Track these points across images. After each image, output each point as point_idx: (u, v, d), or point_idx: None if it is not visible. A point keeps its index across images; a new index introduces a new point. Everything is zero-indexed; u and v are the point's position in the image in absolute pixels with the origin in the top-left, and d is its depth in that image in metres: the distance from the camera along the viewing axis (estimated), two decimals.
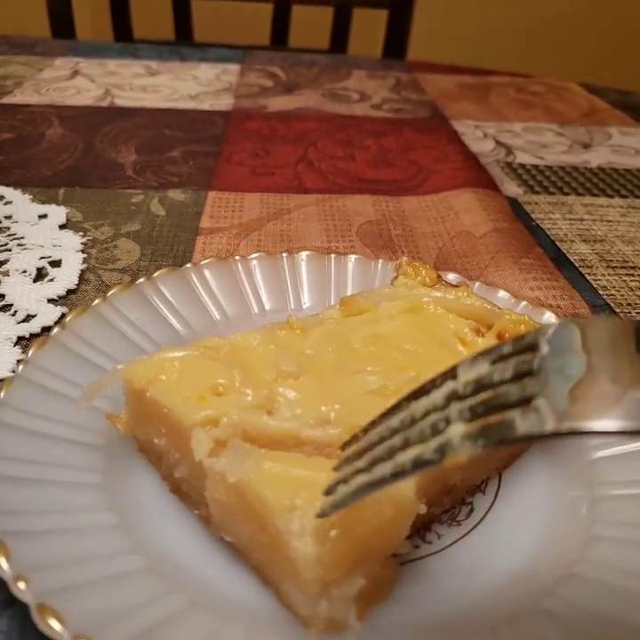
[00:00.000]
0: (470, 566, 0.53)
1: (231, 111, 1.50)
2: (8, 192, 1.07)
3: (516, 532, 0.55)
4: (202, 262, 0.79)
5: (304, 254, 0.82)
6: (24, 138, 1.29)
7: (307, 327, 0.63)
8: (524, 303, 0.74)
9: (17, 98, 1.49)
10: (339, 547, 0.42)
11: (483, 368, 0.34)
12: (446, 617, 0.49)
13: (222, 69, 1.80)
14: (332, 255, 0.83)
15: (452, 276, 0.78)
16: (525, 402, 0.31)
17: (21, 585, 0.44)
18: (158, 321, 0.72)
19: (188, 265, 0.79)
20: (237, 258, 0.81)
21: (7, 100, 1.47)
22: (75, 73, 1.69)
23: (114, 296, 0.73)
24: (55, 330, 0.67)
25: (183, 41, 2.25)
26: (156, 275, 0.76)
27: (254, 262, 0.81)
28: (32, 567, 0.46)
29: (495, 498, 0.59)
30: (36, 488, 0.52)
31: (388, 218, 1.05)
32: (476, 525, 0.56)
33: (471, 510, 0.57)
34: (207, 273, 0.78)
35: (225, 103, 1.55)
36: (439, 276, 0.70)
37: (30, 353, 0.64)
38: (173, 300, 0.75)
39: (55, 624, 0.42)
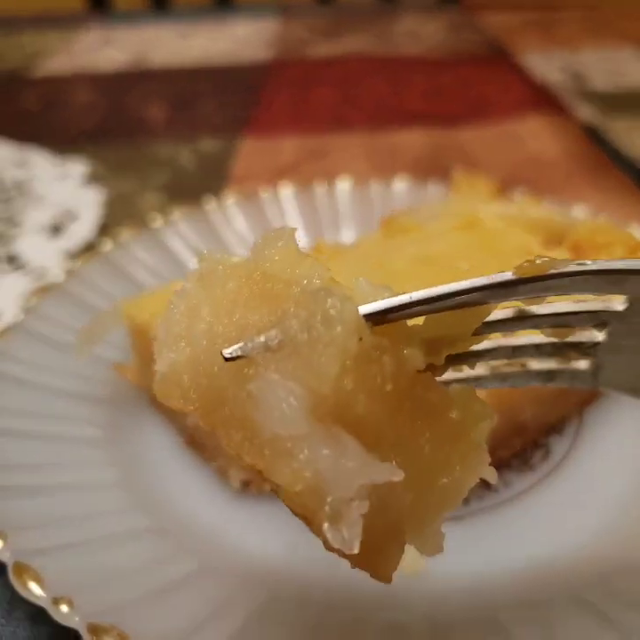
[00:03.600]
0: (546, 518, 0.44)
1: (270, 62, 1.43)
2: (32, 154, 1.04)
3: (601, 478, 0.47)
4: (225, 200, 0.73)
5: (343, 183, 0.75)
6: (52, 104, 1.26)
7: (339, 251, 0.56)
8: (604, 215, 0.65)
9: (47, 69, 1.47)
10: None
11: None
12: (517, 578, 0.40)
13: (261, 25, 1.74)
14: (375, 181, 0.75)
15: (518, 194, 0.69)
16: None
17: None
18: (176, 266, 0.66)
19: (210, 204, 0.72)
20: (265, 193, 0.74)
21: (37, 72, 1.46)
22: (107, 41, 1.67)
23: (126, 241, 0.67)
24: (60, 278, 0.62)
25: (222, 5, 2.20)
26: (173, 216, 0.70)
27: (285, 196, 0.74)
28: (14, 524, 0.40)
29: (575, 439, 0.50)
30: (25, 441, 0.47)
31: (444, 150, 0.96)
32: (552, 471, 0.48)
33: (546, 453, 0.49)
34: (231, 211, 0.72)
35: (263, 56, 1.49)
36: (499, 189, 0.62)
37: (32, 302, 0.59)
38: (193, 242, 0.69)
39: (33, 586, 0.37)
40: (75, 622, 0.35)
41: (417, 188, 0.73)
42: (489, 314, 0.29)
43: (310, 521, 0.26)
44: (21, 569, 0.37)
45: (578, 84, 1.22)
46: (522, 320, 0.31)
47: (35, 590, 0.36)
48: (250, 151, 1.01)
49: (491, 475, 0.29)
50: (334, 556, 0.42)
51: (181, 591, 0.39)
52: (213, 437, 0.48)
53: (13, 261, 0.77)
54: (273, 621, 0.38)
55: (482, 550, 0.42)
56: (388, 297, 0.28)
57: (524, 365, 0.34)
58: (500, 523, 0.44)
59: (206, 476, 0.48)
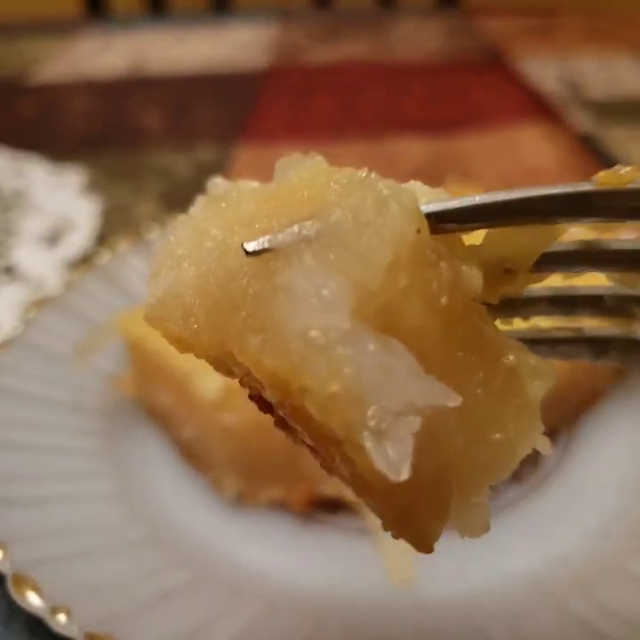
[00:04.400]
0: (534, 529, 0.46)
1: (268, 69, 1.45)
2: (28, 163, 1.06)
3: (591, 489, 0.48)
4: None
5: None
6: (49, 112, 1.28)
7: None
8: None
9: (44, 76, 1.49)
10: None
11: None
12: (505, 589, 0.42)
13: (259, 31, 1.76)
14: None
15: None
16: None
17: None
18: None
19: None
20: None
21: (35, 78, 1.48)
22: (104, 46, 1.69)
23: (123, 252, 0.69)
24: (58, 290, 0.64)
25: (220, 10, 2.23)
26: (170, 226, 0.72)
27: None
28: (12, 535, 0.42)
29: (565, 450, 0.52)
30: (23, 452, 0.49)
31: (441, 160, 0.98)
32: (541, 481, 0.49)
33: (536, 464, 0.50)
34: None
35: (261, 62, 1.51)
36: None
37: (30, 314, 0.61)
38: None
39: (32, 596, 0.38)
40: (73, 631, 0.36)
41: None
42: (559, 236, 0.25)
43: (341, 441, 0.21)
44: (20, 579, 0.39)
45: (574, 92, 1.24)
46: (587, 258, 0.27)
47: (33, 600, 0.38)
48: (247, 159, 1.03)
49: (544, 444, 0.24)
50: (329, 567, 0.43)
51: (177, 601, 0.40)
52: (209, 449, 0.50)
53: (10, 272, 0.79)
54: (267, 633, 0.40)
55: (470, 561, 0.44)
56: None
57: (578, 330, 0.30)
58: (489, 533, 0.46)
59: (201, 488, 0.50)
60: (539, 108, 1.14)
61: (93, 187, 0.97)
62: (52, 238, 0.84)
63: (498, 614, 0.40)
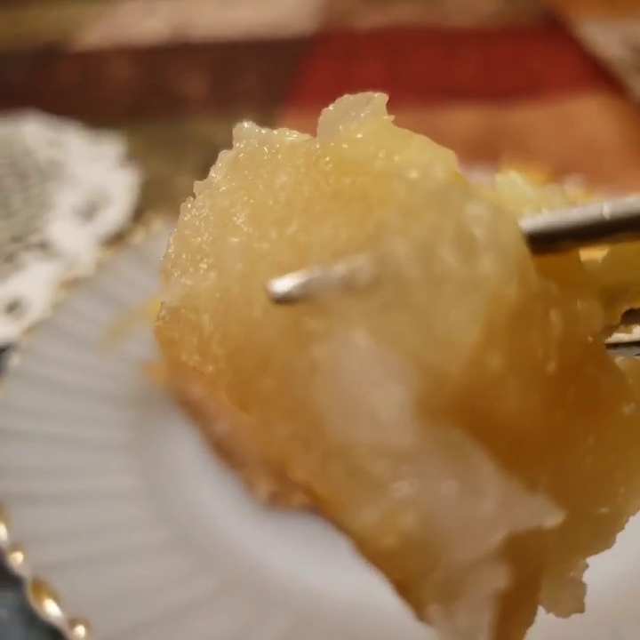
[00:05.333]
0: None
1: (314, 34, 1.41)
2: (67, 133, 1.04)
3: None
4: None
5: None
6: (90, 79, 1.26)
7: None
8: None
9: (85, 41, 1.46)
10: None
11: None
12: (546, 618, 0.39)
13: None
14: None
15: (569, 185, 0.67)
16: None
17: (18, 557, 0.39)
18: None
19: None
20: None
21: (76, 44, 1.45)
22: (147, 11, 1.65)
23: (158, 231, 0.67)
24: (89, 270, 0.62)
25: None
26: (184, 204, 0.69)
27: None
28: (32, 535, 0.40)
29: None
30: (47, 445, 0.47)
31: (494, 131, 0.93)
32: None
33: None
34: None
35: (307, 28, 1.46)
36: (550, 179, 0.59)
37: (60, 296, 0.59)
38: None
39: (50, 604, 0.36)
40: None
41: (464, 173, 0.70)
42: None
43: (403, 588, 0.16)
44: (39, 586, 0.37)
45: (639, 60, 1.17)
46: None
47: (51, 610, 0.36)
48: (291, 127, 0.99)
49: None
50: (365, 579, 0.41)
51: (202, 612, 0.38)
52: (243, 446, 0.47)
53: (45, 247, 0.77)
54: None
55: None
56: (562, 205, 0.18)
57: None
58: None
59: (233, 486, 0.48)
60: (601, 76, 1.08)
61: (132, 157, 0.95)
62: (88, 212, 0.83)
63: None
